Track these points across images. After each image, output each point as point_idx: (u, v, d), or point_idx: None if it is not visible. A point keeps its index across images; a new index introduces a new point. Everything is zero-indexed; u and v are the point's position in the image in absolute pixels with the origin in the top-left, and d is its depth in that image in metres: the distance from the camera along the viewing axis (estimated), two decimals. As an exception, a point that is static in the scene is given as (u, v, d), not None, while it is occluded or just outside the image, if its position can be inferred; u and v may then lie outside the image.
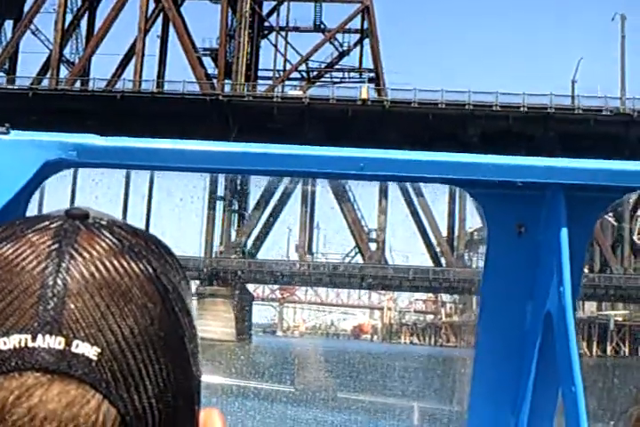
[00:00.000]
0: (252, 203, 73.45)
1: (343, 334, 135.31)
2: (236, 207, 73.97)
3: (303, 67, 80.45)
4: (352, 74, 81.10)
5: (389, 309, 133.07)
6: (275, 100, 71.58)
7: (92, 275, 0.65)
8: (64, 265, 0.65)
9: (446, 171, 1.35)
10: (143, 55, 75.64)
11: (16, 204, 1.24)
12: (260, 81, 77.72)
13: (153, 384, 0.64)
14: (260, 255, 71.80)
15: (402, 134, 70.09)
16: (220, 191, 73.28)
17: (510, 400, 1.44)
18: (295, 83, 79.49)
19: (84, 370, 0.62)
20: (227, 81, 74.74)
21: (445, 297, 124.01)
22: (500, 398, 1.45)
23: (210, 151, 1.39)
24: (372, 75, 77.68)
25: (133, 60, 75.92)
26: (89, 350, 0.62)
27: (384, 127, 70.55)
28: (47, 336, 0.62)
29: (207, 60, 77.33)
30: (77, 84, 75.01)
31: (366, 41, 78.24)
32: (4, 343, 0.62)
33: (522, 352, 1.43)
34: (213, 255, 70.96)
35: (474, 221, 74.66)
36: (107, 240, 0.67)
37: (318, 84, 79.48)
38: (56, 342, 0.62)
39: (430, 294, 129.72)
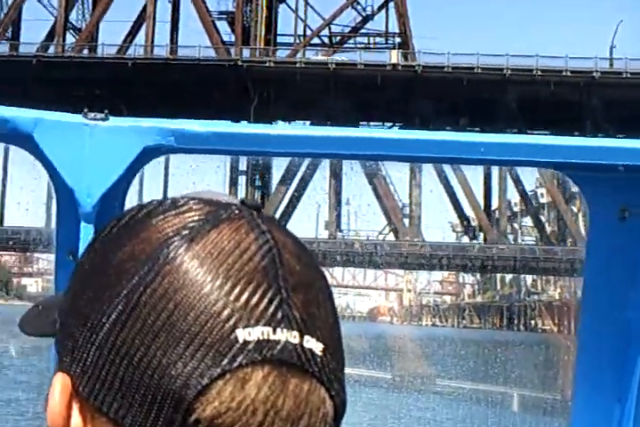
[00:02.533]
0: (275, 177, 68.58)
1: (359, 316, 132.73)
2: (259, 183, 69.08)
3: (324, 32, 75.33)
4: (378, 39, 75.93)
5: (409, 290, 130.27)
6: (298, 65, 66.48)
7: (301, 271, 0.67)
8: (277, 260, 0.66)
9: (544, 154, 1.35)
10: (154, 20, 70.54)
11: (117, 189, 1.27)
12: (279, 47, 72.55)
13: (343, 377, 0.68)
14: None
15: (434, 102, 65.22)
16: (242, 166, 68.42)
17: (616, 387, 1.43)
18: (316, 51, 74.31)
19: (315, 366, 0.65)
20: (245, 48, 69.58)
21: (467, 277, 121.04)
22: (605, 385, 1.44)
23: (314, 136, 1.36)
24: (398, 40, 72.50)
25: (144, 27, 70.86)
26: (316, 346, 0.65)
27: (415, 95, 65.55)
28: (285, 330, 0.64)
29: (222, 26, 72.17)
30: (85, 53, 69.99)
31: (391, 4, 73.04)
32: (249, 334, 0.63)
33: (627, 338, 1.43)
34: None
35: (512, 194, 70.06)
36: (291, 235, 0.69)
37: (341, 50, 74.30)
38: (292, 336, 0.64)
39: (446, 275, 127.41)
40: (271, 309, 0.64)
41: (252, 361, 0.63)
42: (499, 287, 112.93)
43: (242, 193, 67.94)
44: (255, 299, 0.64)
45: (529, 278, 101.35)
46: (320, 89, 65.16)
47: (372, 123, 72.49)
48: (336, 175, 65.27)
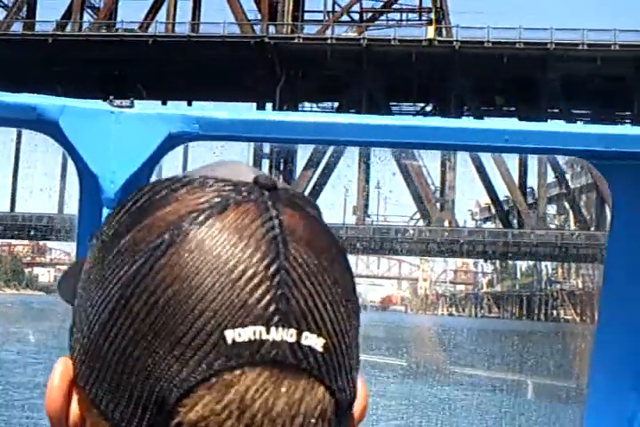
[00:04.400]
0: (300, 162, 65.04)
1: (371, 305, 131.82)
2: (282, 168, 65.59)
3: (354, 8, 71.68)
4: (411, 15, 72.29)
5: (425, 279, 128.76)
6: (328, 42, 62.85)
7: (308, 262, 0.63)
8: (281, 250, 0.62)
9: (569, 142, 1.35)
10: (176, -3, 67.11)
11: (140, 176, 1.28)
12: (306, 25, 68.89)
13: (354, 369, 0.65)
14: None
15: (470, 80, 61.55)
16: (266, 149, 64.94)
17: (633, 375, 1.44)
18: (346, 28, 70.53)
19: (313, 363, 0.62)
20: (271, 24, 65.95)
21: (486, 266, 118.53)
22: (622, 373, 1.44)
23: (340, 124, 1.34)
24: (432, 16, 68.66)
25: (165, 4, 67.46)
26: (316, 342, 0.62)
27: (452, 72, 61.85)
28: (280, 329, 0.61)
29: (247, 3, 68.53)
30: (103, 32, 66.75)
31: (425, -23, 69.27)
32: (239, 335, 0.60)
33: None
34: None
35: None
36: (306, 218, 0.65)
37: (372, 27, 70.57)
38: (288, 335, 0.61)
39: (460, 264, 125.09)
40: (266, 306, 0.61)
41: (241, 363, 0.60)
42: (519, 276, 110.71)
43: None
44: (249, 296, 0.61)
45: (549, 267, 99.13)
46: (351, 67, 61.65)
47: (403, 104, 69.12)
48: (365, 158, 61.71)
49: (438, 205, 63.13)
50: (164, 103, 67.73)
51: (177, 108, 1.33)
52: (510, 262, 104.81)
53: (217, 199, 0.64)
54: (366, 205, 64.81)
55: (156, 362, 0.61)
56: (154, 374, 0.61)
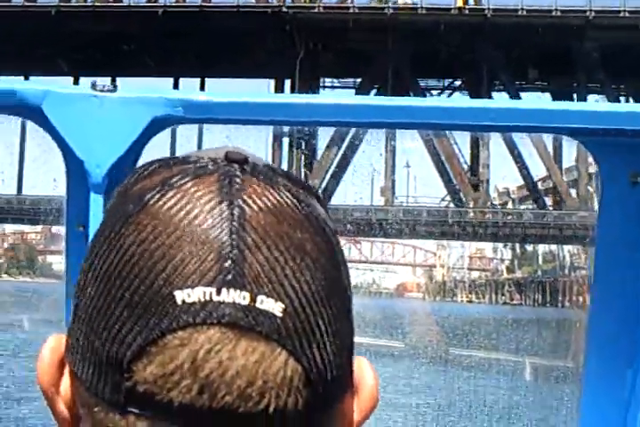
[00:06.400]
0: (322, 140, 61.08)
1: (386, 292, 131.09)
2: (303, 146, 61.64)
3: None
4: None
5: (442, 266, 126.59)
6: (351, 10, 58.79)
7: (267, 227, 0.63)
8: (237, 216, 0.63)
9: (557, 120, 1.36)
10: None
11: (126, 160, 1.29)
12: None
13: (330, 340, 0.64)
14: (335, 201, 59.66)
15: (502, 51, 57.49)
16: (286, 127, 60.91)
17: (628, 354, 1.46)
18: None
19: (271, 327, 0.61)
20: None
21: (506, 253, 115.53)
22: (618, 352, 1.46)
23: (339, 104, 1.34)
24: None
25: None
26: (273, 306, 0.61)
27: (483, 43, 57.77)
28: (232, 291, 0.61)
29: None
30: (110, 3, 62.79)
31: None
32: (188, 295, 0.61)
33: (638, 307, 1.47)
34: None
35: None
36: (273, 187, 0.66)
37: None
38: (241, 297, 0.61)
39: (475, 250, 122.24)
40: (219, 268, 0.61)
41: (191, 323, 0.60)
42: (540, 262, 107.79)
43: (285, 156, 60.88)
44: (201, 258, 0.62)
45: (570, 251, 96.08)
46: (375, 39, 57.64)
47: (429, 79, 65.20)
48: (391, 136, 57.72)
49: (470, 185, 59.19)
50: (176, 81, 64.13)
51: (160, 91, 1.32)
52: (529, 248, 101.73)
53: (182, 173, 0.66)
54: (393, 186, 60.84)
55: (112, 324, 0.62)
56: (111, 336, 0.62)
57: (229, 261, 0.61)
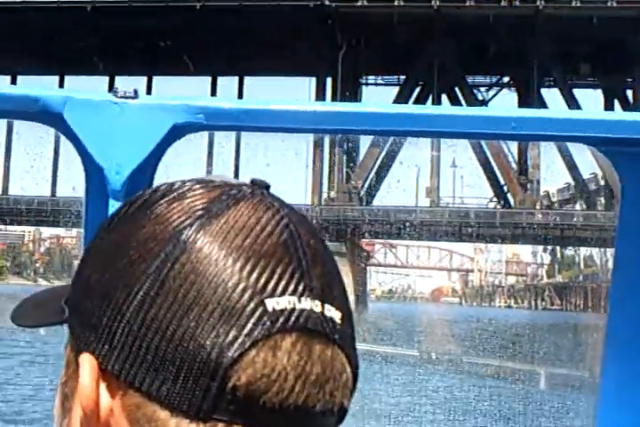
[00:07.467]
0: (364, 138, 58.83)
1: (421, 297, 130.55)
2: (345, 146, 59.45)
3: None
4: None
5: (479, 270, 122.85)
6: (396, 3, 56.52)
7: (310, 242, 0.71)
8: (296, 234, 0.70)
9: (577, 129, 1.38)
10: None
11: (146, 167, 1.30)
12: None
13: (355, 345, 0.72)
14: (377, 202, 57.34)
15: (553, 46, 54.95)
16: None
17: None
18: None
19: (336, 333, 0.68)
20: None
21: (545, 257, 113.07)
22: (636, 358, 1.46)
23: (379, 113, 1.34)
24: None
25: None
26: (336, 314, 0.69)
27: (535, 37, 55.26)
28: (309, 299, 0.68)
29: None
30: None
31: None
32: (277, 303, 0.67)
33: None
34: (322, 202, 56.81)
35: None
36: (298, 211, 0.73)
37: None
38: (315, 305, 0.68)
39: (511, 255, 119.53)
40: (295, 280, 0.68)
41: (282, 329, 0.66)
42: (582, 266, 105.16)
43: (327, 156, 58.72)
44: (279, 271, 0.67)
45: (610, 256, 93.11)
46: (421, 33, 55.34)
47: (477, 76, 62.77)
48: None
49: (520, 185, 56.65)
50: (214, 81, 62.37)
51: (181, 98, 1.33)
52: (570, 252, 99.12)
53: (224, 195, 0.71)
54: (438, 186, 58.42)
55: (205, 333, 0.66)
56: (205, 344, 0.65)
57: (303, 274, 0.68)
